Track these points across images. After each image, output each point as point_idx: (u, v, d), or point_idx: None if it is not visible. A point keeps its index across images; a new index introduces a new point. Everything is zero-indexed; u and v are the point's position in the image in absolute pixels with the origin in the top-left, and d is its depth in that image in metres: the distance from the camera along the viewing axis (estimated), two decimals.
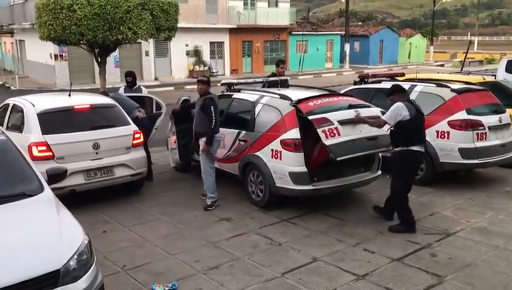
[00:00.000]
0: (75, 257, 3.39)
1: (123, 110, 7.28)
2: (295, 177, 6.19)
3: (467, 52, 15.94)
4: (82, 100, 7.31)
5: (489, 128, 7.41)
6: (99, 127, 6.89)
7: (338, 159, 5.88)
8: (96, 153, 6.72)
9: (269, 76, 8.79)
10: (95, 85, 22.87)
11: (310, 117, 6.04)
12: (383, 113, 6.10)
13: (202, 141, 6.63)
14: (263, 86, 8.01)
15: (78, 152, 6.58)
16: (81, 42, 16.90)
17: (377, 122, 6.06)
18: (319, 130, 5.94)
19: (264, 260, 5.16)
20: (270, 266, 5.01)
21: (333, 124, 6.03)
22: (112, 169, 6.86)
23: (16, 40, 32.60)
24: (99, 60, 18.07)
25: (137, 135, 7.12)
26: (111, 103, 7.40)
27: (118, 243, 5.69)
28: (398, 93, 5.98)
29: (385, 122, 5.90)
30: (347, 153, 6.02)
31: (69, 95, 7.22)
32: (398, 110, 5.74)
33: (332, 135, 5.97)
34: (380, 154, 6.87)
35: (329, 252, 5.33)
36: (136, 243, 5.69)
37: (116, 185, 7.12)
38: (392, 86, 6.22)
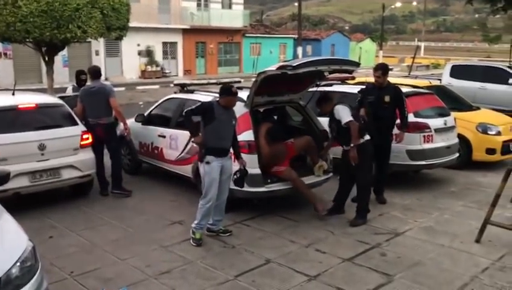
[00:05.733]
0: (18, 264, 3.22)
1: (70, 110, 7.04)
2: (249, 179, 6.17)
3: (414, 57, 16.45)
4: (27, 99, 7.00)
5: (435, 130, 7.68)
6: (45, 127, 6.62)
7: None
8: (42, 154, 6.46)
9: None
10: (42, 85, 22.02)
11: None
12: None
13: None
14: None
15: (23, 153, 6.30)
16: (27, 40, 16.21)
17: (354, 132, 5.98)
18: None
19: (217, 263, 5.11)
20: (223, 269, 4.96)
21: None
22: (58, 171, 6.61)
23: None
24: (46, 59, 17.40)
25: (85, 136, 6.91)
26: (58, 102, 7.14)
27: (65, 248, 5.48)
28: (326, 102, 6.38)
29: (352, 123, 6.00)
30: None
31: (13, 94, 6.90)
32: (346, 109, 6.12)
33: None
34: (331, 155, 6.97)
35: (282, 253, 5.35)
36: (85, 248, 5.50)
37: (63, 187, 6.89)
38: (320, 97, 6.55)
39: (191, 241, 5.61)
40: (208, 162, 5.51)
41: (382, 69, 6.93)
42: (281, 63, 6.16)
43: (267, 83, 6.16)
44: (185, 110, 5.72)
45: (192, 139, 5.91)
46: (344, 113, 6.09)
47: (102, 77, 7.72)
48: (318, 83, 7.04)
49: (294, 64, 5.78)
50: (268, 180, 6.33)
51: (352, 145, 6.02)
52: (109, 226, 6.19)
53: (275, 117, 7.25)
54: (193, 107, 5.68)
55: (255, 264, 5.07)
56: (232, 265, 5.05)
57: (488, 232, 5.65)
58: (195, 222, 5.64)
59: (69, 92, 8.72)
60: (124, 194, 7.29)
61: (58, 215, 6.45)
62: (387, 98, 6.85)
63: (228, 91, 5.61)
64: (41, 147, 6.43)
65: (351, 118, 6.04)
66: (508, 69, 13.40)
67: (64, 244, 5.58)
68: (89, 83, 7.57)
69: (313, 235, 5.85)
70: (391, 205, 7.01)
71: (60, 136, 6.65)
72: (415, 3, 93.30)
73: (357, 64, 6.64)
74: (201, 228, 5.66)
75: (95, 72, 7.40)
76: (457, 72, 13.83)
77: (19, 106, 6.61)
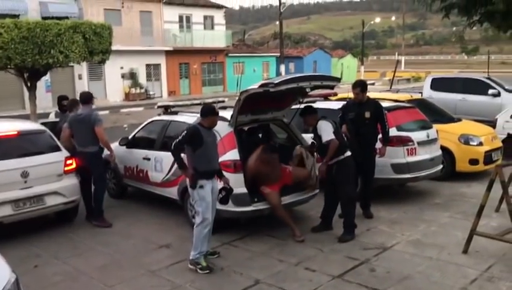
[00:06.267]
0: None
1: (53, 136, 6.98)
2: (235, 198, 6.14)
3: (395, 71, 16.73)
4: (8, 127, 6.93)
5: (419, 143, 7.75)
6: (27, 154, 6.54)
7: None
8: (25, 182, 6.37)
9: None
10: (24, 111, 21.85)
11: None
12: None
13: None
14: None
15: (5, 181, 6.20)
16: (9, 67, 16.12)
17: (330, 151, 6.16)
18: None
19: (206, 286, 5.05)
20: None
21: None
22: (42, 198, 6.52)
23: None
24: (28, 84, 17.27)
25: (69, 161, 6.83)
26: (40, 129, 7.08)
27: (51, 277, 5.37)
28: (311, 114, 6.45)
29: (332, 142, 6.11)
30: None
31: None
32: (328, 126, 6.22)
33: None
34: (317, 172, 6.99)
35: (271, 273, 5.31)
36: (71, 276, 5.40)
37: (48, 214, 6.78)
38: (305, 107, 6.61)
39: (199, 271, 5.33)
40: (201, 186, 5.38)
41: (361, 86, 7.01)
42: (263, 81, 6.20)
43: (250, 101, 6.19)
44: (173, 143, 5.46)
45: (183, 173, 5.70)
46: (326, 131, 6.18)
47: None
48: (301, 100, 7.09)
49: (276, 82, 5.83)
50: (255, 199, 6.31)
51: (324, 161, 6.23)
52: (95, 252, 6.10)
53: (260, 135, 7.27)
54: (180, 138, 5.41)
55: (244, 286, 5.02)
56: (221, 287, 5.00)
57: (475, 243, 5.69)
58: (196, 252, 5.41)
59: (52, 117, 8.66)
60: (103, 226, 7.03)
61: (43, 243, 6.34)
62: (367, 114, 6.92)
63: (213, 111, 5.59)
64: (24, 175, 6.35)
65: (332, 137, 6.12)
66: (487, 80, 13.66)
67: (49, 273, 5.47)
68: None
69: (302, 253, 5.83)
70: (378, 219, 7.03)
71: (43, 163, 6.57)
72: (393, 18, 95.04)
73: (338, 80, 6.72)
74: (202, 256, 5.46)
75: (85, 99, 7.15)
76: (438, 84, 14.06)
77: (0, 134, 6.54)
